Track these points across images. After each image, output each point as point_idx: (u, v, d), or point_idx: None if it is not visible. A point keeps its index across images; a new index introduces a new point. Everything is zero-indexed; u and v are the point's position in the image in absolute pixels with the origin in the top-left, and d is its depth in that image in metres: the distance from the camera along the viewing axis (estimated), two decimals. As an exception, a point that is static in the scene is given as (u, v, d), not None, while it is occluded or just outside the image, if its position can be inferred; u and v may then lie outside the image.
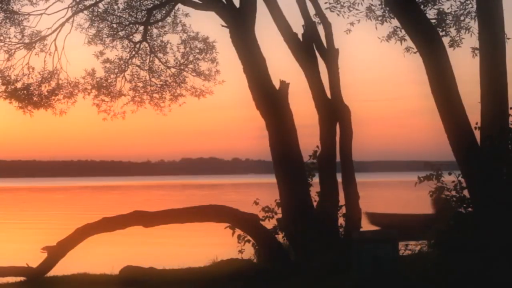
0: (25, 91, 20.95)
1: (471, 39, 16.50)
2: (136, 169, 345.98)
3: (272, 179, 18.41)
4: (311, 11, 17.92)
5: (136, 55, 21.66)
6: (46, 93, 21.15)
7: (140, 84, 21.75)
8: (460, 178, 15.39)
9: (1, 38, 20.70)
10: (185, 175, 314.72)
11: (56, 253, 17.19)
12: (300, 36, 17.91)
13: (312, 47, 17.84)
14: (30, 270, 17.10)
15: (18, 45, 20.93)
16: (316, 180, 18.11)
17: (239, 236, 17.77)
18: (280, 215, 18.05)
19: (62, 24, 21.05)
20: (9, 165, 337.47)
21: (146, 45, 21.64)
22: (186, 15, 21.43)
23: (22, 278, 17.24)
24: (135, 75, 21.75)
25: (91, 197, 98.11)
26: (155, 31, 21.69)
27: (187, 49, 21.58)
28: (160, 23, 21.53)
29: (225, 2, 18.54)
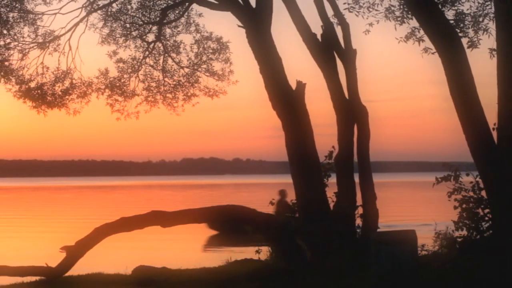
0: (39, 91, 20.95)
1: (488, 40, 16.49)
2: (137, 169, 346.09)
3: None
4: (329, 12, 17.89)
5: (149, 55, 21.65)
6: (60, 93, 21.15)
7: (154, 84, 21.74)
8: (478, 178, 15.42)
9: (15, 37, 20.70)
10: (186, 175, 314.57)
11: (74, 252, 17.15)
12: (319, 37, 17.88)
13: (331, 48, 17.75)
14: (49, 270, 17.03)
15: (32, 45, 20.92)
16: (331, 180, 18.10)
17: (256, 236, 17.78)
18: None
19: (76, 24, 21.04)
20: (10, 164, 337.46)
21: (160, 45, 21.62)
22: (200, 15, 21.46)
23: (37, 278, 17.20)
24: (149, 75, 21.74)
25: (98, 197, 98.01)
26: (168, 31, 21.69)
27: (201, 49, 21.58)
28: (173, 23, 21.53)
29: (241, 2, 18.53)
